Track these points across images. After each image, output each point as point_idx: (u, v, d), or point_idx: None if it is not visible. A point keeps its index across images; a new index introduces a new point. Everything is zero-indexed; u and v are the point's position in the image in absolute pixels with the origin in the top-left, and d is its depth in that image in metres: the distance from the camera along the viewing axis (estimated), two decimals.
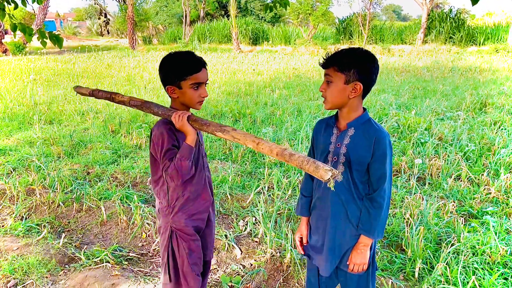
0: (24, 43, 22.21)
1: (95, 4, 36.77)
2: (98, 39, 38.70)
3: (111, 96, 2.03)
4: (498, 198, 3.64)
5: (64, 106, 7.80)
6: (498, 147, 4.72)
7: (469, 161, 4.55)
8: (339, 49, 1.65)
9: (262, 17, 34.65)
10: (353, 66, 1.58)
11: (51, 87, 10.04)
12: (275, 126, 6.08)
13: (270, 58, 18.09)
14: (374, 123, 1.68)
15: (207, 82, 1.86)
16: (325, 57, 1.66)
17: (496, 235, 2.91)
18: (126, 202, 3.73)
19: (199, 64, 1.78)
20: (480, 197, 3.68)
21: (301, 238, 1.97)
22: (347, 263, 1.78)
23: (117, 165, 4.77)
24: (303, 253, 1.98)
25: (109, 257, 2.90)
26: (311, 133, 1.92)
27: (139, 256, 3.02)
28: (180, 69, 1.75)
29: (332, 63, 1.62)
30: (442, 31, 23.70)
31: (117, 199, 3.70)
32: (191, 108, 1.88)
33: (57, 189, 3.98)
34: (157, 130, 1.78)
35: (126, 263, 2.91)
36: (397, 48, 22.08)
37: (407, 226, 3.09)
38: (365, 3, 22.81)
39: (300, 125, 6.03)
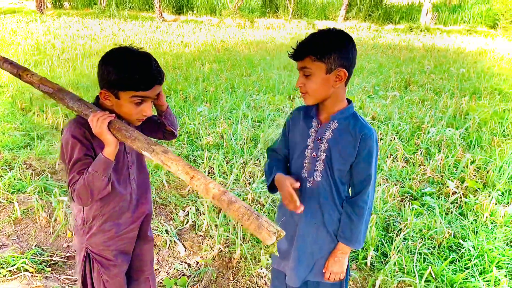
0: None
1: None
2: None
3: (17, 72, 1.60)
4: (434, 178, 3.75)
5: None
6: (427, 126, 4.89)
7: (402, 141, 4.66)
8: (309, 34, 1.41)
9: None
10: (333, 51, 1.35)
11: None
12: (209, 104, 5.75)
13: (196, 29, 17.34)
14: (360, 117, 1.48)
15: (156, 97, 1.44)
16: (296, 47, 1.41)
17: (439, 217, 2.96)
18: (45, 195, 3.24)
19: (153, 81, 1.36)
20: (418, 177, 3.76)
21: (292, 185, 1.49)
22: (323, 270, 1.60)
23: (30, 149, 4.15)
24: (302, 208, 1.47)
25: (28, 264, 2.47)
26: (286, 120, 1.65)
27: (64, 260, 2.60)
28: (124, 78, 1.32)
29: (307, 52, 1.38)
30: (362, 9, 24.53)
31: (33, 192, 3.19)
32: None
33: None
34: (67, 134, 1.37)
35: (50, 269, 2.49)
36: (321, 23, 22.43)
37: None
38: None
39: (236, 103, 5.77)
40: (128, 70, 1.32)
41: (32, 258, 2.54)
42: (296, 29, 19.63)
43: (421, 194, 3.49)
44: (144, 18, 22.01)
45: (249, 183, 3.59)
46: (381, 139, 4.53)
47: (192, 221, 3.04)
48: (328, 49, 1.35)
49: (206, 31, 16.78)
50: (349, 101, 1.50)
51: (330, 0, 28.97)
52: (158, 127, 1.67)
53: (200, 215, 3.11)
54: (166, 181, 3.56)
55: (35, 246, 2.69)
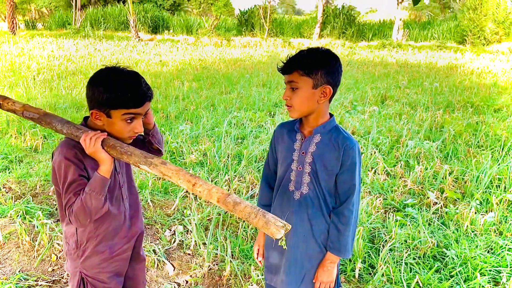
0: None
1: None
2: None
3: None
4: (415, 189, 3.85)
5: None
6: (405, 139, 5.04)
7: (382, 154, 4.77)
8: (299, 51, 1.47)
9: (161, 4, 33.27)
10: (320, 68, 1.42)
11: None
12: (191, 122, 5.76)
13: (173, 48, 17.42)
14: (342, 130, 1.54)
15: (146, 114, 1.47)
16: (285, 61, 1.47)
17: (422, 228, 3.04)
18: (27, 218, 3.16)
19: (143, 99, 1.38)
20: (399, 189, 3.85)
21: (259, 250, 1.79)
22: (313, 281, 1.64)
23: (9, 172, 4.06)
24: (261, 265, 1.81)
25: None
26: (270, 139, 1.71)
27: (50, 285, 2.54)
28: (116, 97, 1.33)
29: (295, 67, 1.44)
30: (336, 26, 25.20)
31: (15, 216, 3.12)
32: None
33: None
34: (59, 156, 1.37)
35: None
36: (296, 41, 22.91)
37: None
38: None
39: (217, 121, 5.81)
40: (119, 89, 1.34)
41: (17, 284, 2.47)
42: (272, 47, 19.96)
43: (403, 205, 3.57)
44: (119, 38, 21.97)
45: None
46: (362, 153, 4.62)
47: (180, 240, 3.02)
48: (316, 66, 1.41)
49: (183, 50, 16.87)
50: (331, 115, 1.56)
51: (305, 18, 29.66)
52: (144, 146, 1.66)
53: (188, 233, 3.10)
54: (151, 200, 3.54)
55: (19, 271, 2.62)
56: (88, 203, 1.32)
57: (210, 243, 2.84)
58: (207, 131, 5.33)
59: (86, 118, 1.47)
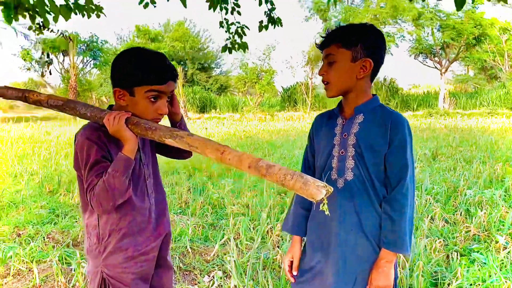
0: None
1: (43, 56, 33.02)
2: (37, 112, 37.16)
3: (23, 95, 1.57)
4: (480, 235, 3.44)
5: None
6: (463, 189, 4.65)
7: (438, 203, 4.40)
8: (339, 26, 1.40)
9: (209, 88, 35.39)
10: (360, 41, 1.32)
11: None
12: (233, 179, 5.70)
13: (219, 123, 18.07)
14: (388, 108, 1.40)
15: (170, 95, 1.42)
16: (323, 36, 1.40)
17: (493, 269, 2.64)
18: (65, 262, 3.09)
19: (167, 75, 1.34)
20: (461, 235, 3.46)
21: (291, 261, 1.54)
22: (367, 287, 1.38)
23: (54, 224, 4.09)
24: (293, 280, 1.54)
25: None
26: (309, 130, 1.58)
27: None
28: (139, 73, 1.30)
29: (333, 40, 1.35)
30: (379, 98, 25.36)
31: (54, 258, 3.05)
32: None
33: None
34: (82, 138, 1.31)
35: None
36: None
37: (398, 266, 2.74)
38: (307, 73, 24.08)
39: (260, 178, 5.70)
40: (143, 65, 1.31)
41: None
42: None
43: (468, 251, 3.17)
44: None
45: (278, 246, 3.36)
46: (416, 200, 4.29)
47: (219, 285, 2.79)
48: (355, 37, 1.32)
49: (229, 124, 17.44)
50: (373, 95, 1.42)
51: None
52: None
53: (227, 278, 2.88)
54: (190, 247, 3.38)
55: None
56: (111, 184, 1.24)
57: (251, 286, 2.59)
58: (249, 186, 5.22)
59: (110, 106, 1.44)
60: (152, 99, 1.34)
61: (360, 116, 1.38)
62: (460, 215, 3.93)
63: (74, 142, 1.36)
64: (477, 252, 3.14)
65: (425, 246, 3.09)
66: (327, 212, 1.03)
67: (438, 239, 3.40)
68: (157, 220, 1.49)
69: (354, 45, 1.32)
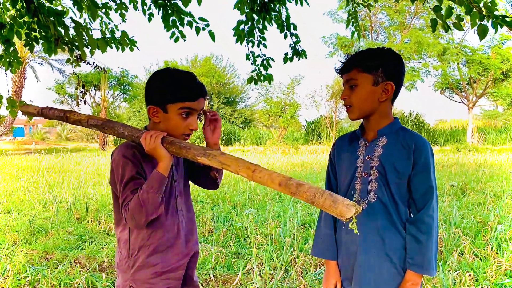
0: None
1: (72, 74, 33.72)
2: (67, 144, 38.45)
3: (64, 115, 1.67)
4: None
5: (25, 196, 7.20)
6: (494, 223, 4.50)
7: (467, 236, 4.27)
8: (358, 51, 1.46)
9: (233, 121, 35.90)
10: (380, 65, 1.37)
11: (13, 180, 9.41)
12: (257, 210, 5.70)
13: (243, 156, 18.18)
14: (410, 130, 1.42)
15: (201, 113, 1.51)
16: (343, 61, 1.45)
17: None
18: (91, 286, 3.14)
19: (198, 92, 1.43)
20: (493, 269, 3.33)
21: (335, 285, 1.51)
22: None
23: (81, 249, 4.18)
24: None
25: None
26: (329, 152, 1.61)
27: None
28: (172, 90, 1.40)
29: (354, 65, 1.40)
30: None
31: (81, 281, 3.11)
32: None
33: (8, 275, 3.34)
34: (118, 155, 1.39)
35: None
36: None
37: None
38: (331, 106, 24.16)
39: (283, 209, 5.69)
40: (175, 83, 1.41)
41: None
42: None
43: (499, 286, 3.05)
44: None
45: (302, 277, 3.32)
46: (444, 233, 4.18)
47: None
48: (376, 62, 1.37)
49: (252, 157, 17.51)
50: (394, 118, 1.45)
51: None
52: (202, 169, 1.64)
53: None
54: (213, 275, 3.38)
55: None
56: (145, 200, 1.30)
57: None
58: (272, 217, 5.21)
59: (145, 127, 1.53)
60: (184, 116, 1.43)
61: (383, 138, 1.41)
62: (491, 249, 3.80)
63: (110, 159, 1.45)
64: (509, 287, 3.01)
65: (454, 279, 3.00)
66: (356, 231, 1.05)
67: (468, 272, 3.29)
68: (186, 238, 1.53)
69: (375, 69, 1.37)
